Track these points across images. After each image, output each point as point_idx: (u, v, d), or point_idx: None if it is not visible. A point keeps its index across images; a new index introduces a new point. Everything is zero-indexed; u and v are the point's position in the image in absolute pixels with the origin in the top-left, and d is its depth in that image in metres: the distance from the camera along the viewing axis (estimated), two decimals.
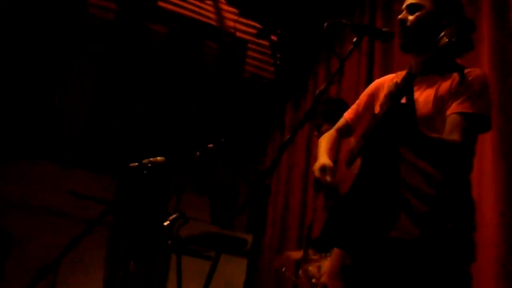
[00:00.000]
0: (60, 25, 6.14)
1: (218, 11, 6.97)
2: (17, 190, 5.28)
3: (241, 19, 6.81)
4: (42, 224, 5.24)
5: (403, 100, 1.81)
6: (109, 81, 6.52)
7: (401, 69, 3.12)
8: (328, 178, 2.08)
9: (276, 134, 6.15)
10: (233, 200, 6.54)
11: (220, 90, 6.92)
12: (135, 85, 6.55)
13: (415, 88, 1.94)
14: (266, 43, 6.74)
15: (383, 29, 2.17)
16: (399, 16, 2.14)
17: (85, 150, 6.10)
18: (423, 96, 2.04)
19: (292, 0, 5.63)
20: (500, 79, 3.08)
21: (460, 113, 1.95)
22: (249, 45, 7.18)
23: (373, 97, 2.31)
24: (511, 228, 2.83)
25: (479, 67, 3.03)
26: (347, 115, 2.41)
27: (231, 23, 6.99)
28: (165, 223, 3.32)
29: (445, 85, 2.03)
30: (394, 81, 1.87)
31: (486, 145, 3.00)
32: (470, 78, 1.99)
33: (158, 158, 2.97)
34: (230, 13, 6.92)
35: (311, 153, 5.10)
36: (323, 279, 3.10)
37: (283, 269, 3.63)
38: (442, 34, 1.67)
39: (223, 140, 3.61)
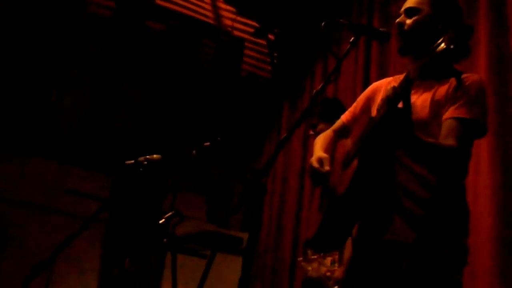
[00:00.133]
0: (57, 23, 6.12)
1: (215, 9, 6.98)
2: (13, 187, 5.28)
3: (238, 18, 6.81)
4: (38, 221, 5.24)
5: (400, 105, 1.82)
6: (106, 78, 6.52)
7: (398, 69, 3.13)
8: (327, 167, 2.09)
9: (273, 133, 6.14)
10: (229, 198, 6.55)
11: (217, 88, 6.92)
12: (132, 82, 6.54)
13: (412, 92, 1.95)
14: (263, 42, 6.73)
15: (381, 29, 2.18)
16: (397, 20, 2.15)
17: (81, 147, 6.08)
18: (420, 100, 2.05)
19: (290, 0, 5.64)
20: (497, 83, 3.09)
21: (456, 118, 1.96)
22: (247, 44, 7.18)
23: (370, 100, 2.32)
24: (506, 232, 2.84)
25: (476, 71, 3.06)
26: (344, 116, 2.43)
27: (228, 22, 7.00)
28: (161, 221, 3.32)
29: (442, 90, 2.04)
30: (392, 85, 1.89)
31: (482, 149, 3.00)
32: (467, 83, 2.00)
33: (154, 156, 2.97)
34: (227, 12, 6.92)
35: (307, 153, 5.10)
36: (337, 274, 3.08)
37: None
38: (441, 40, 1.67)
39: (219, 138, 3.61)
